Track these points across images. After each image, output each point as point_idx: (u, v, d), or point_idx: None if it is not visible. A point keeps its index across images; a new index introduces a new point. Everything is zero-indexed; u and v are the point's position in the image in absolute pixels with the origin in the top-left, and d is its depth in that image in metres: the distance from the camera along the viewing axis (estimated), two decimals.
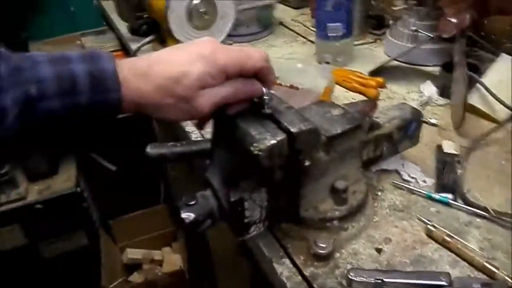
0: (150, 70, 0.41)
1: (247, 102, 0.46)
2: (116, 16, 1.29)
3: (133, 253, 1.70)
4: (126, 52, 1.25)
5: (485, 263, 0.45)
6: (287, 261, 0.49)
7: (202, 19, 0.97)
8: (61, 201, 1.44)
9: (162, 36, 1.10)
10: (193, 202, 0.46)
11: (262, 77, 0.45)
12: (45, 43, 1.75)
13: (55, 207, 1.43)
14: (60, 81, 0.38)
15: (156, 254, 1.73)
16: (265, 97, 0.45)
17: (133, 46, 1.14)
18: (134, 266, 1.71)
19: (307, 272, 0.47)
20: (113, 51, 1.47)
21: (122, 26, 1.28)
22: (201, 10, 0.96)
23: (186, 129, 0.76)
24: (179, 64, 0.41)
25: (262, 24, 1.14)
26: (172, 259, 1.70)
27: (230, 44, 1.14)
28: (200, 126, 0.51)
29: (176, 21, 0.96)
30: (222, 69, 0.42)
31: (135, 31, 1.18)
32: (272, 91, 0.46)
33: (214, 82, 0.42)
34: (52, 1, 1.85)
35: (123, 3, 1.17)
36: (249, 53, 0.44)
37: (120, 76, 0.40)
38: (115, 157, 1.70)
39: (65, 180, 1.50)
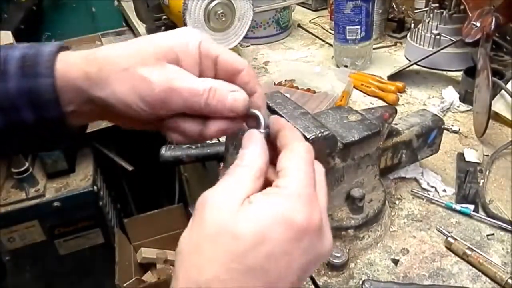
0: (100, 51, 0.35)
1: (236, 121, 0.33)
2: (135, 17, 1.31)
3: (148, 253, 1.71)
4: None
5: (509, 280, 0.43)
6: None
7: (219, 20, 0.97)
8: (78, 199, 1.46)
9: None
10: None
11: (248, 88, 0.33)
12: (65, 43, 1.78)
13: (71, 205, 1.46)
14: None
15: (170, 254, 1.74)
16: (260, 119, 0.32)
17: None
18: (147, 266, 1.72)
19: (320, 282, 0.46)
20: None
21: (141, 27, 1.29)
22: (219, 11, 0.96)
23: None
24: (137, 42, 0.35)
25: (280, 26, 1.14)
26: None
27: (248, 46, 1.13)
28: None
29: (194, 22, 0.95)
30: (195, 45, 0.33)
31: (153, 32, 1.19)
32: (286, 94, 0.45)
33: (179, 57, 0.33)
34: (73, 2, 1.88)
35: (142, 5, 1.18)
36: (230, 51, 0.35)
37: (60, 59, 0.35)
38: (132, 157, 1.72)
39: (82, 178, 1.52)
